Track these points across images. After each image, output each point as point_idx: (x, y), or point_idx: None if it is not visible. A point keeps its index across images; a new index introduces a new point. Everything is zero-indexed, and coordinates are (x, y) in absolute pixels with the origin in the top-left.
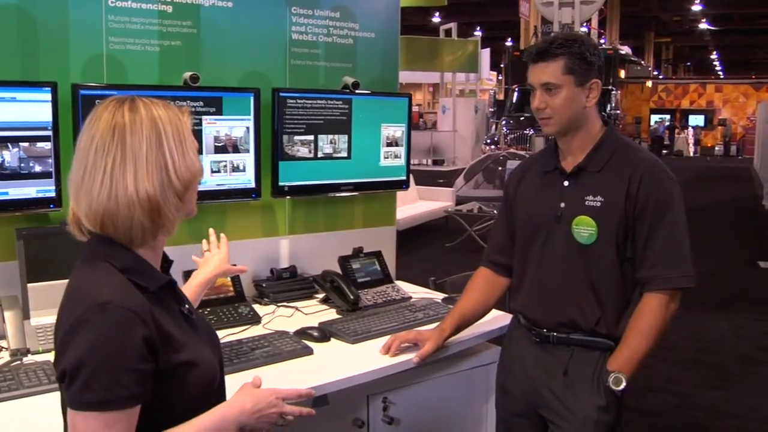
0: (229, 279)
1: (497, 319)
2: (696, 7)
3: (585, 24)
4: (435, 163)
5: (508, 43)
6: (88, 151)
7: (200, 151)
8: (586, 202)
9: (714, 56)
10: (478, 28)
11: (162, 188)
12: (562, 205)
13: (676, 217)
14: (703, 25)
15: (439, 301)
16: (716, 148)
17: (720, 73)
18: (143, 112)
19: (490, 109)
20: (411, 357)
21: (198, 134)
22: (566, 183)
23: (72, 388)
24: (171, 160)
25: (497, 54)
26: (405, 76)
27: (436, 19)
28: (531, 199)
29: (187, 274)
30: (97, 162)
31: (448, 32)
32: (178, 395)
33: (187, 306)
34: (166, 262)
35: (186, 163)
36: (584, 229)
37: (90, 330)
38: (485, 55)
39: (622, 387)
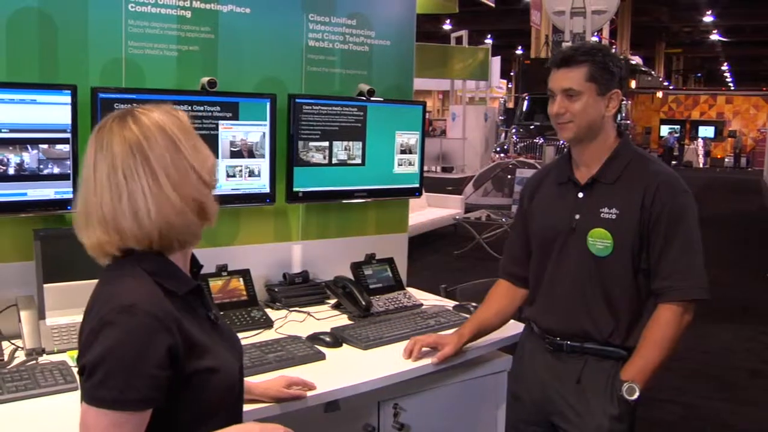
0: (241, 282)
1: (509, 327)
2: (707, 18)
3: (596, 34)
4: (444, 170)
5: (519, 52)
6: (113, 179)
7: (216, 156)
8: (602, 215)
9: (725, 68)
10: (489, 36)
11: (197, 186)
12: (577, 216)
13: (691, 229)
14: (715, 37)
15: (451, 308)
16: (726, 160)
17: (731, 84)
18: (148, 123)
19: (500, 117)
20: (422, 364)
21: (214, 139)
22: (581, 195)
23: (88, 383)
24: (192, 159)
25: (508, 62)
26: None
27: (447, 27)
28: (545, 211)
29: (203, 277)
30: (131, 187)
31: (459, 40)
32: (196, 400)
33: (213, 312)
34: (195, 267)
35: (202, 156)
36: (600, 241)
37: (113, 331)
38: (496, 63)
39: (635, 397)
